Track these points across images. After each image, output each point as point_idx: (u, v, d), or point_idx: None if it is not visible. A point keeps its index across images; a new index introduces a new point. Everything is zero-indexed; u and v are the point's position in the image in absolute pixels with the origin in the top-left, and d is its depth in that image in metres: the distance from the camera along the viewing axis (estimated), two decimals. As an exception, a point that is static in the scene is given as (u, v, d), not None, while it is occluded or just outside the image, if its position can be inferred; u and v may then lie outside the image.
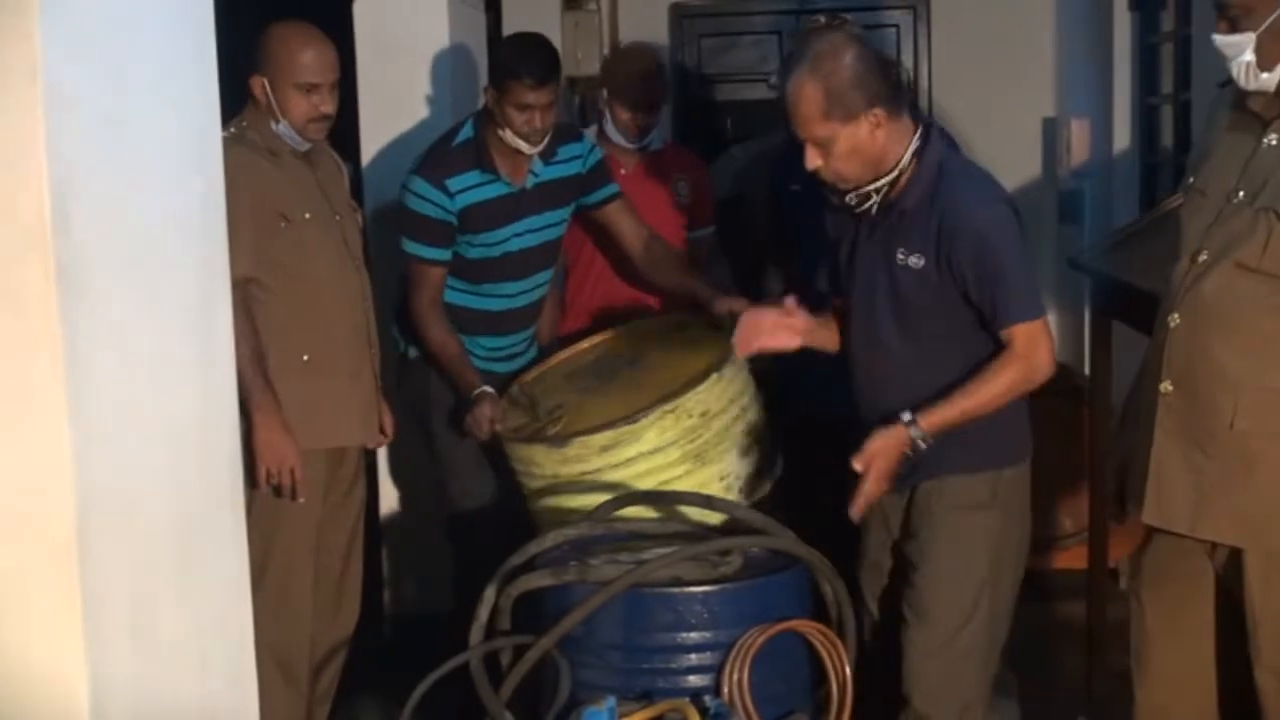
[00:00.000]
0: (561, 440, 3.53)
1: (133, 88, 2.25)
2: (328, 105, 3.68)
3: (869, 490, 3.02)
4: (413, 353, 4.19)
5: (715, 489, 3.48)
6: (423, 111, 4.79)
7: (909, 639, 3.12)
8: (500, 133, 3.96)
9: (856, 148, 3.05)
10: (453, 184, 3.96)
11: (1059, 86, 6.88)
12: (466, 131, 4.04)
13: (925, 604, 3.10)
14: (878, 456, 3.01)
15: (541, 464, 3.57)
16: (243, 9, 3.66)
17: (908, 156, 3.09)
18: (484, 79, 5.18)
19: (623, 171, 4.47)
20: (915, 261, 3.07)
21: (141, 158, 2.27)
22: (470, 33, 5.06)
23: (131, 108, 2.24)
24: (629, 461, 3.47)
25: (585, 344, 4.09)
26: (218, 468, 2.50)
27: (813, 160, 3.09)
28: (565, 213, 4.19)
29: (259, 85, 3.66)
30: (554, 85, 3.94)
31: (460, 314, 4.09)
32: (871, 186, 3.10)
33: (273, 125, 3.67)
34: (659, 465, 3.48)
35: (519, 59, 3.91)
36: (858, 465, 3.00)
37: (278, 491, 3.54)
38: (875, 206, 3.13)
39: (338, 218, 3.79)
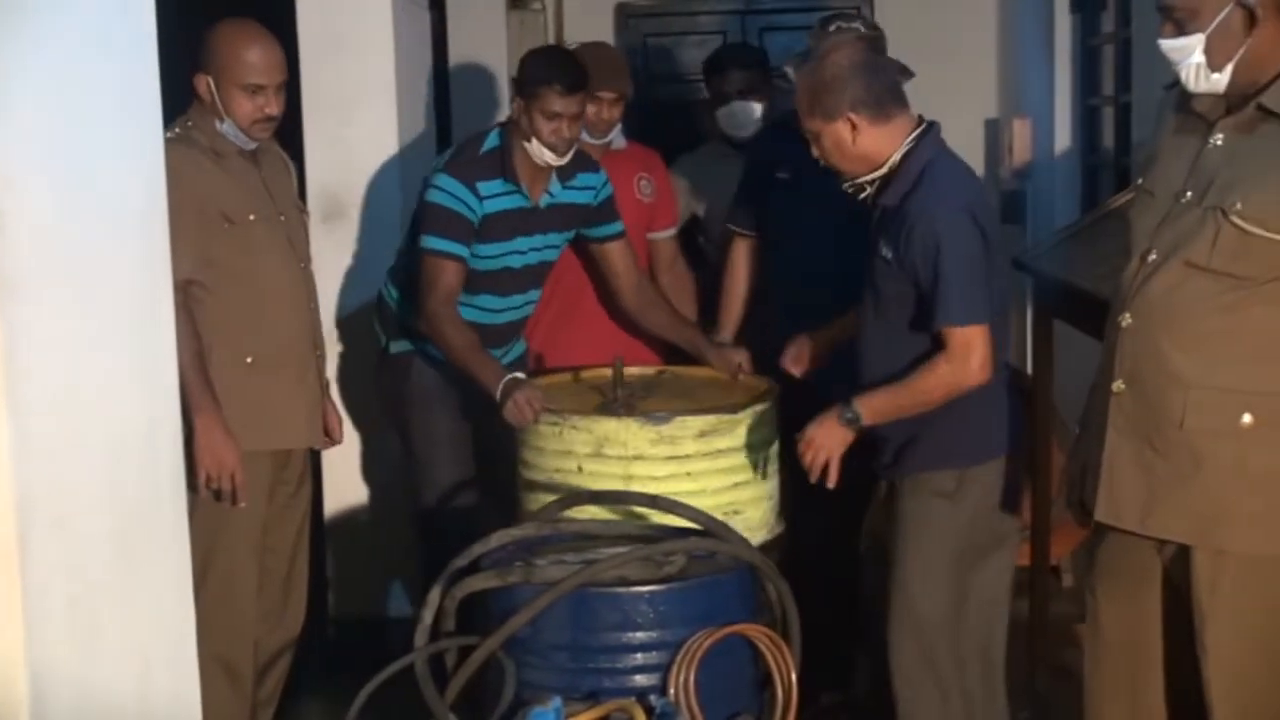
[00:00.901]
0: (662, 417, 3.51)
1: (72, 86, 2.23)
2: (273, 106, 3.66)
3: (816, 463, 3.30)
4: (394, 347, 4.20)
5: (765, 506, 3.63)
6: (367, 111, 4.76)
7: (888, 614, 3.38)
8: (526, 144, 3.97)
9: (837, 145, 3.31)
10: (482, 188, 3.98)
11: (1001, 87, 6.93)
12: (493, 140, 4.05)
13: (898, 578, 3.35)
14: (815, 436, 3.29)
15: (626, 441, 3.49)
16: (187, 5, 3.63)
17: (898, 156, 3.30)
18: (428, 77, 5.19)
19: None
20: (888, 254, 3.29)
21: (82, 158, 2.25)
22: (414, 32, 5.04)
23: (71, 107, 2.22)
24: (719, 453, 3.52)
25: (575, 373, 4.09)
26: (160, 469, 2.48)
27: (814, 150, 3.38)
28: (566, 238, 4.23)
29: (204, 84, 3.62)
30: (582, 97, 3.99)
31: None
32: (865, 179, 3.34)
33: (217, 124, 3.64)
34: (738, 465, 3.56)
35: (551, 67, 3.97)
36: (800, 447, 3.31)
37: (218, 496, 3.52)
38: (870, 199, 3.37)
39: (282, 218, 3.77)
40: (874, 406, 3.25)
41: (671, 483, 3.44)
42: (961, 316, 3.17)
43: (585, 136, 4.41)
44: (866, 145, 3.29)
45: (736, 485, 3.56)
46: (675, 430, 3.50)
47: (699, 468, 3.51)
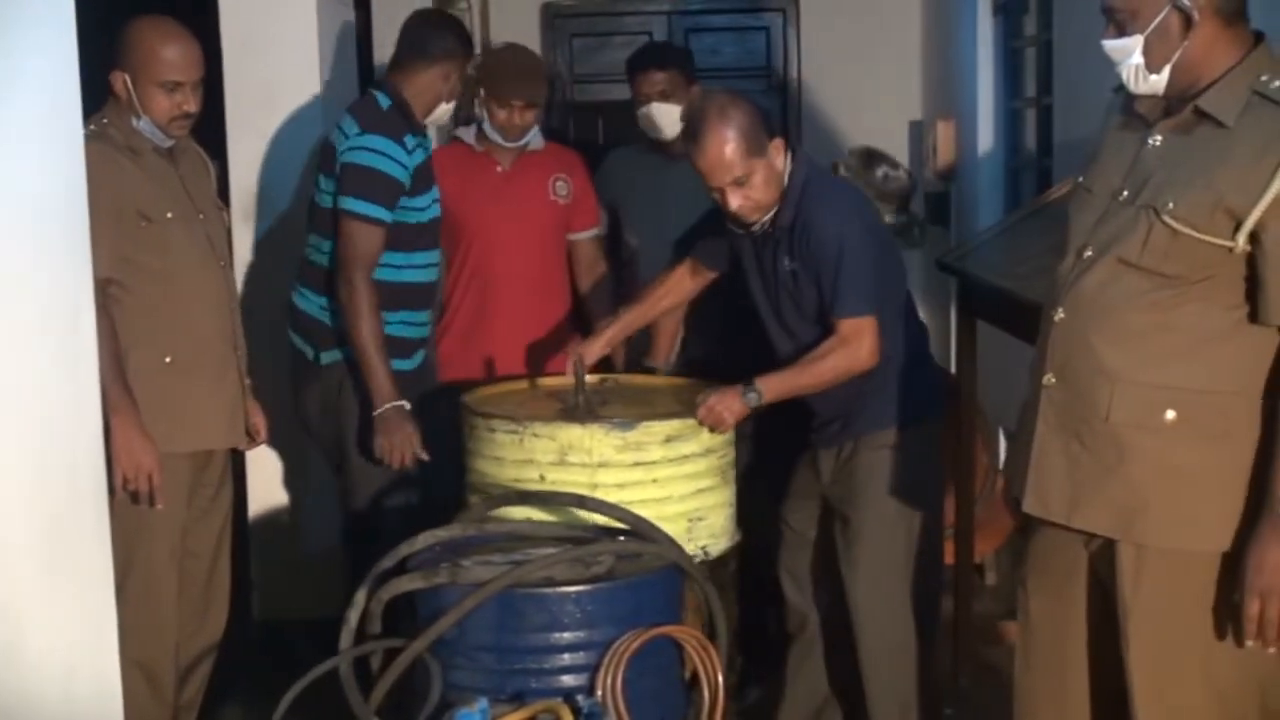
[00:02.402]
0: (627, 423, 3.43)
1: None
2: (191, 104, 3.63)
3: (707, 424, 3.50)
4: (325, 358, 4.08)
5: (726, 513, 3.61)
6: (290, 109, 4.73)
7: (845, 563, 3.65)
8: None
9: (771, 175, 3.51)
10: (408, 141, 4.00)
11: (925, 89, 7.00)
12: (383, 100, 4.06)
13: (854, 528, 3.64)
14: (715, 404, 3.48)
15: (591, 448, 3.39)
16: (105, 2, 3.59)
17: (787, 178, 3.55)
18: (353, 76, 5.16)
19: (499, 169, 4.47)
20: (795, 267, 3.57)
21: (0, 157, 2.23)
22: (337, 31, 5.02)
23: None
24: (684, 459, 3.47)
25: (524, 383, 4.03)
26: (81, 472, 2.45)
27: (736, 201, 3.50)
28: None
29: (120, 81, 3.59)
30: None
31: (392, 290, 4.02)
32: (773, 207, 3.55)
33: (134, 121, 3.61)
34: (702, 470, 3.51)
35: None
36: (699, 412, 3.48)
37: (135, 498, 3.48)
38: (766, 225, 3.58)
39: (201, 216, 3.73)
40: (773, 386, 3.51)
41: (638, 490, 3.40)
42: (856, 309, 3.48)
43: (499, 140, 4.42)
44: (780, 169, 3.53)
45: (700, 491, 3.51)
46: (641, 436, 3.43)
47: (665, 474, 3.45)
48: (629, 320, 3.97)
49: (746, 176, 3.47)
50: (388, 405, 3.83)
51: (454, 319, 4.48)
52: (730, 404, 3.47)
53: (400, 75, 4.10)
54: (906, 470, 3.63)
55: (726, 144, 3.44)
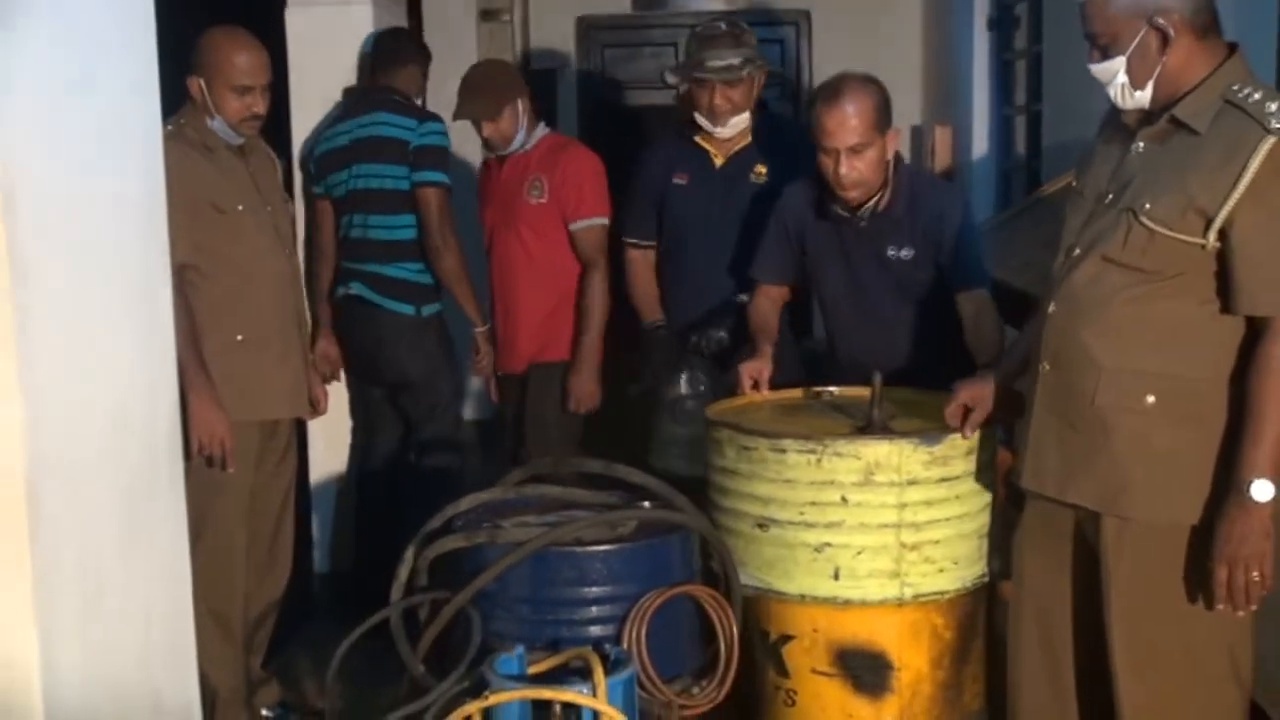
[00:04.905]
0: (934, 437, 3.02)
1: (78, 84, 2.21)
2: (260, 105, 3.65)
3: (976, 419, 3.02)
4: (426, 310, 4.38)
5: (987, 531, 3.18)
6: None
7: None
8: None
9: (881, 156, 3.41)
10: None
11: (925, 97, 6.96)
12: (400, 99, 4.46)
13: None
14: (974, 396, 3.02)
15: (899, 466, 2.99)
16: (182, 12, 3.59)
17: (891, 170, 3.47)
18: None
19: (500, 175, 4.38)
20: (906, 254, 3.51)
21: (87, 150, 2.23)
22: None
23: (77, 102, 2.20)
24: (978, 472, 3.09)
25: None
26: (158, 439, 2.46)
27: (845, 168, 3.37)
28: None
29: (195, 85, 3.61)
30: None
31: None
32: (876, 190, 3.46)
33: (208, 122, 3.62)
34: (989, 484, 3.14)
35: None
36: (959, 400, 3.02)
37: (210, 462, 3.50)
38: (864, 217, 3.49)
39: (269, 208, 3.75)
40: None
41: (943, 507, 3.05)
42: (982, 282, 3.50)
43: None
44: (888, 158, 3.44)
45: (987, 506, 3.14)
46: (948, 450, 3.03)
47: (965, 489, 3.07)
48: (771, 339, 3.61)
49: (864, 147, 3.35)
50: (487, 325, 4.43)
51: (491, 312, 4.47)
52: (989, 391, 3.02)
53: (390, 78, 4.49)
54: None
55: (860, 109, 3.33)
